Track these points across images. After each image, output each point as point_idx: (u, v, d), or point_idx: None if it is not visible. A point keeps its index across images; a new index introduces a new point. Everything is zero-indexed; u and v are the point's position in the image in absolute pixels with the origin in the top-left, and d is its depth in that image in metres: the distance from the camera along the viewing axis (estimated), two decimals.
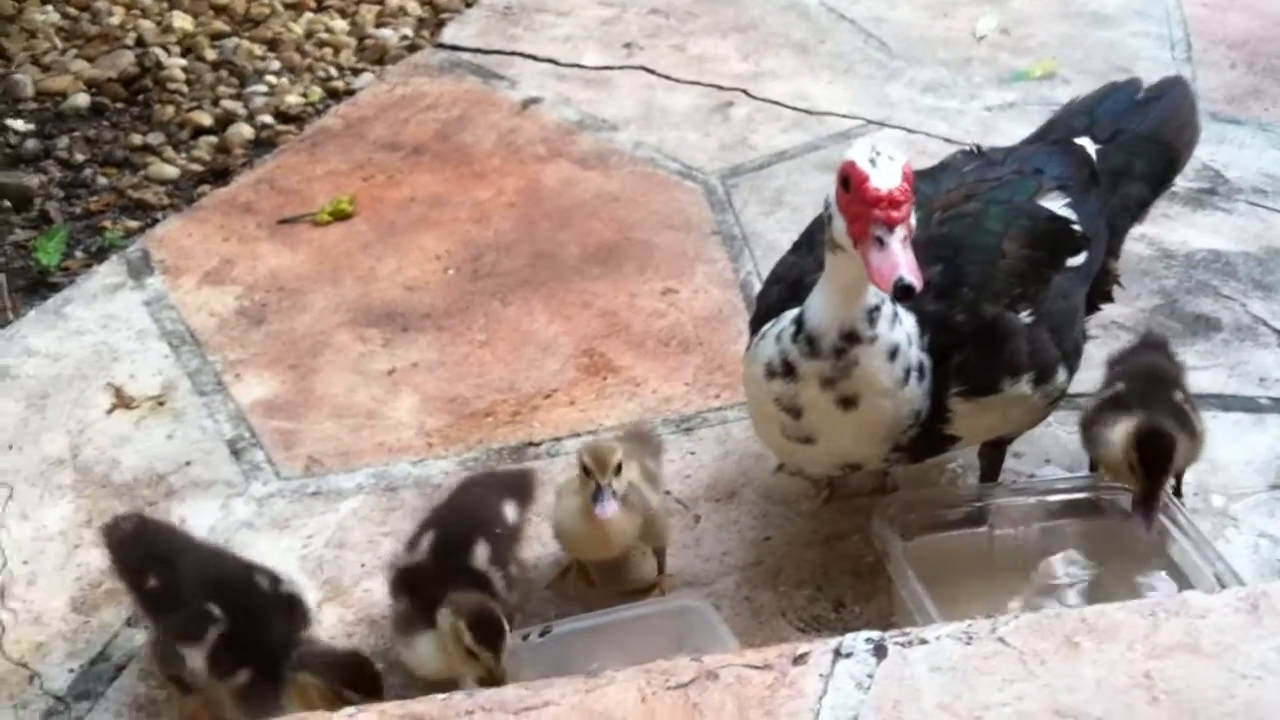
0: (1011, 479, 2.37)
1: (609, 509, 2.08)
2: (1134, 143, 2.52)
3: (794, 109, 3.57)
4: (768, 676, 1.70)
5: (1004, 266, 2.17)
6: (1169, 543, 2.17)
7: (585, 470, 2.10)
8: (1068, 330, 2.26)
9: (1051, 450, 2.50)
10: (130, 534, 2.11)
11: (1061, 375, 2.23)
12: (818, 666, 1.71)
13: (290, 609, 2.02)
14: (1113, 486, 2.24)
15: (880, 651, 1.73)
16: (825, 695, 1.67)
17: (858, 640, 1.75)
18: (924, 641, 1.74)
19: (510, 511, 2.18)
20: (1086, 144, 2.47)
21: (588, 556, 2.25)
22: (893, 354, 2.03)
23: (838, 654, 1.73)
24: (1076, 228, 2.29)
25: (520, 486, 2.25)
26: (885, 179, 1.87)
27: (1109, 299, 2.52)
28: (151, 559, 2.05)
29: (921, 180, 2.28)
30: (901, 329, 2.04)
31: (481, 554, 2.08)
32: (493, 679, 1.87)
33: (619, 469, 2.10)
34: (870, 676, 1.70)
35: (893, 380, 2.04)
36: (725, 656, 1.75)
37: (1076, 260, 2.28)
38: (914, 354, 2.06)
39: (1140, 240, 3.00)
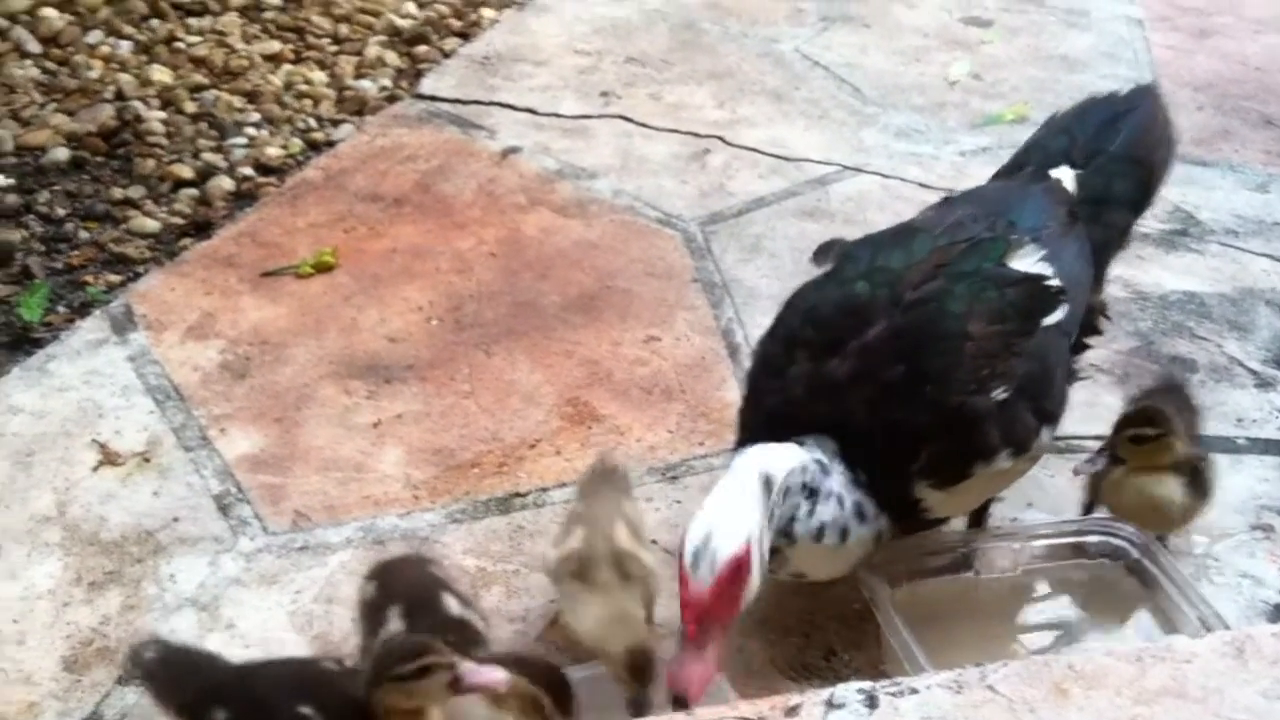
0: (995, 524, 2.40)
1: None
2: (1111, 164, 2.49)
3: (770, 155, 3.61)
4: None
5: (970, 350, 2.14)
6: (1152, 586, 2.20)
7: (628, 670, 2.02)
8: (1047, 393, 2.24)
9: (1034, 495, 2.52)
10: (161, 664, 1.99)
11: (1043, 437, 2.23)
12: (810, 718, 1.72)
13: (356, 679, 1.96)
14: (1097, 530, 2.27)
15: (872, 702, 1.74)
16: None
17: (849, 691, 1.76)
18: (915, 691, 1.76)
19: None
20: (1065, 175, 2.46)
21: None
22: (819, 535, 2.08)
23: (830, 705, 1.74)
24: (1052, 284, 2.25)
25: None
26: (697, 585, 1.91)
27: (1098, 332, 2.53)
28: (207, 691, 1.94)
29: (894, 249, 2.28)
30: (828, 505, 2.07)
31: (453, 603, 2.09)
32: (458, 675, 1.83)
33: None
34: None
35: (830, 553, 2.10)
36: (718, 708, 1.76)
37: (1055, 317, 2.25)
38: (848, 510, 2.09)
39: (1115, 282, 3.04)
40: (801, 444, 2.09)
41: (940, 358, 2.13)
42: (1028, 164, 2.56)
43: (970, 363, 2.13)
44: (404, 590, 2.11)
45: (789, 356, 2.20)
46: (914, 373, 2.11)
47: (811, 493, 2.06)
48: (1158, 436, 2.29)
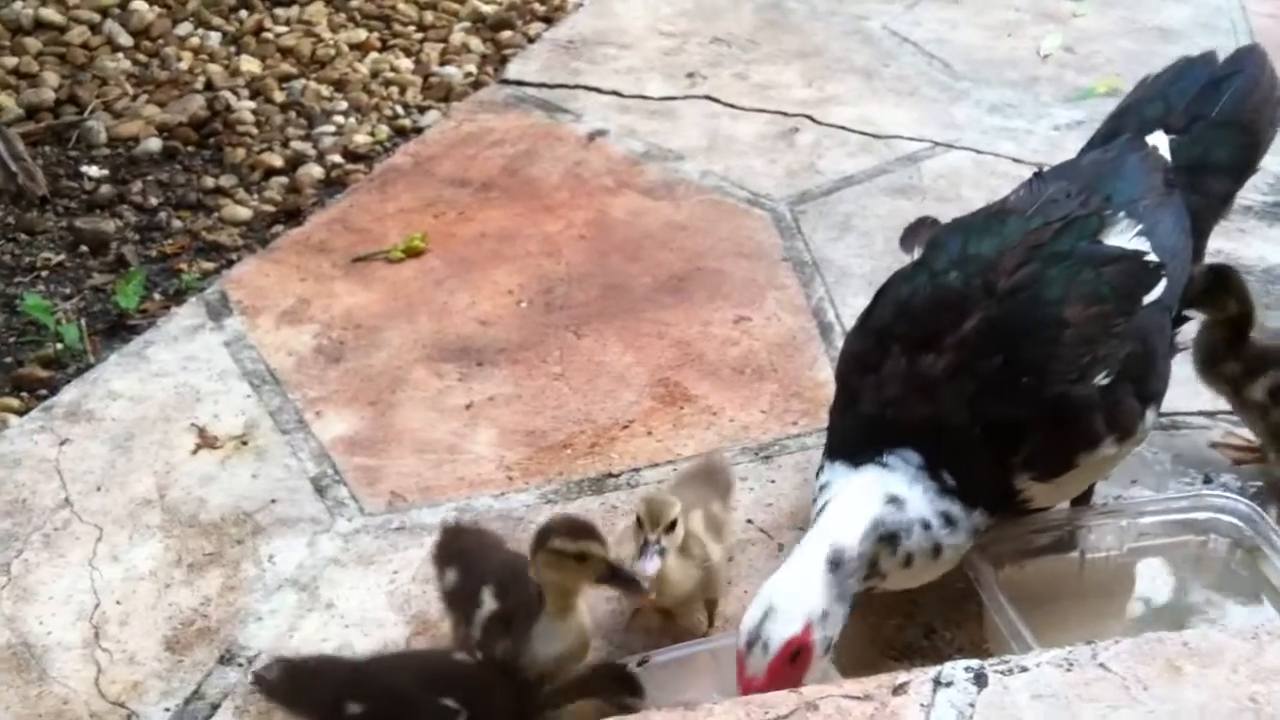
0: (1100, 501, 2.35)
1: (650, 566, 2.03)
2: (1211, 131, 2.41)
3: (860, 133, 3.57)
4: (868, 707, 1.69)
5: (1069, 337, 2.08)
6: (1264, 563, 2.15)
7: (639, 521, 2.08)
8: (1150, 374, 2.18)
9: (1138, 471, 2.47)
10: (286, 678, 2.01)
11: (1147, 419, 2.17)
12: (918, 696, 1.70)
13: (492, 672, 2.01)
14: (1205, 506, 2.21)
15: (980, 680, 1.71)
16: None
17: (957, 669, 1.73)
18: (1024, 669, 1.72)
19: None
20: (1160, 140, 2.38)
21: (654, 605, 2.23)
22: (908, 563, 2.05)
23: (937, 683, 1.71)
24: (1150, 259, 2.19)
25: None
26: (751, 669, 1.89)
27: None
28: (339, 687, 1.96)
29: (985, 235, 2.22)
30: (911, 538, 2.03)
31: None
32: (613, 567, 1.94)
33: (673, 525, 2.08)
34: (971, 705, 1.68)
35: (923, 570, 2.08)
36: (824, 687, 1.74)
37: (1154, 294, 2.19)
38: (935, 529, 2.04)
39: (1217, 256, 2.95)
40: (883, 464, 2.05)
41: (1037, 348, 2.08)
42: (1122, 131, 2.49)
43: (1069, 350, 2.08)
44: (491, 568, 2.13)
45: (882, 352, 2.15)
46: (1011, 365, 2.06)
47: (891, 538, 2.03)
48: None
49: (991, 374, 2.06)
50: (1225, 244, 3.03)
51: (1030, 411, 2.06)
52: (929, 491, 2.04)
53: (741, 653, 1.89)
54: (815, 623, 1.91)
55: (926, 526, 2.04)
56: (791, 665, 1.88)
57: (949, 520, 2.05)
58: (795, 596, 1.91)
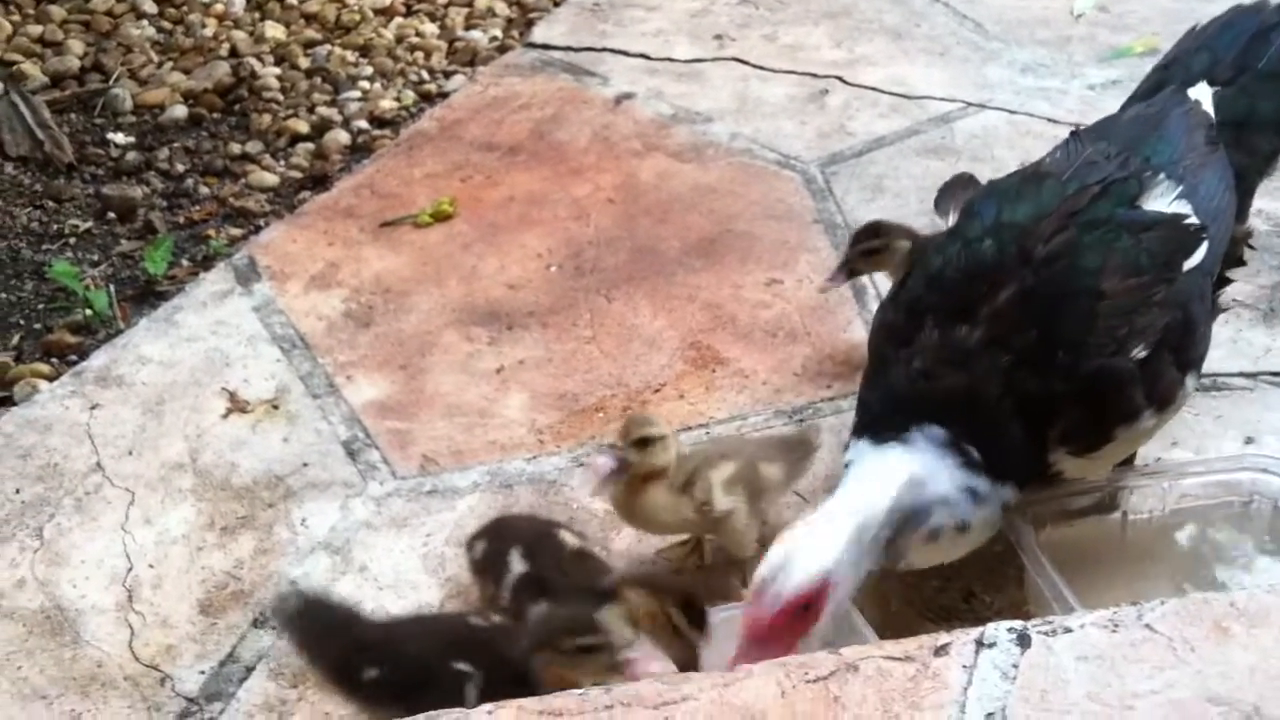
0: (1142, 462, 2.31)
1: (595, 462, 2.12)
2: (1258, 83, 2.33)
3: (891, 94, 3.52)
4: (909, 668, 1.66)
5: (1105, 309, 2.03)
6: None
7: None
8: (1190, 341, 2.12)
9: (1179, 433, 2.43)
10: (303, 617, 2.01)
11: (1187, 386, 2.12)
12: (960, 657, 1.67)
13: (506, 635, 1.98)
14: (1248, 467, 2.18)
15: (1024, 641, 1.69)
16: (970, 686, 1.63)
17: (1000, 630, 1.70)
18: (1068, 630, 1.70)
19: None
20: (1203, 94, 2.31)
21: (635, 527, 2.25)
22: (935, 536, 2.00)
23: (980, 644, 1.69)
24: (1191, 222, 2.13)
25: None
26: (759, 609, 1.84)
27: (1240, 263, 2.39)
28: (356, 651, 1.95)
29: (1020, 200, 2.16)
30: (938, 514, 1.99)
31: (570, 537, 2.16)
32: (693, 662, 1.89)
33: (644, 442, 2.11)
34: (1015, 666, 1.66)
35: (950, 547, 2.04)
36: (865, 648, 1.72)
37: (1195, 259, 2.13)
38: (961, 506, 2.00)
39: (1256, 215, 2.91)
40: (906, 442, 2.01)
41: (1073, 320, 2.03)
42: (1168, 83, 2.43)
43: (1106, 323, 2.03)
44: (520, 534, 2.14)
45: (914, 324, 2.10)
46: (1047, 337, 2.01)
47: (911, 520, 1.99)
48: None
49: (1027, 348, 2.01)
50: (1267, 204, 2.98)
51: (1067, 386, 2.01)
52: (952, 467, 2.00)
53: (753, 590, 1.85)
54: (833, 584, 1.87)
55: (949, 504, 2.00)
56: (798, 617, 1.84)
57: (974, 495, 2.01)
58: (819, 549, 1.87)
